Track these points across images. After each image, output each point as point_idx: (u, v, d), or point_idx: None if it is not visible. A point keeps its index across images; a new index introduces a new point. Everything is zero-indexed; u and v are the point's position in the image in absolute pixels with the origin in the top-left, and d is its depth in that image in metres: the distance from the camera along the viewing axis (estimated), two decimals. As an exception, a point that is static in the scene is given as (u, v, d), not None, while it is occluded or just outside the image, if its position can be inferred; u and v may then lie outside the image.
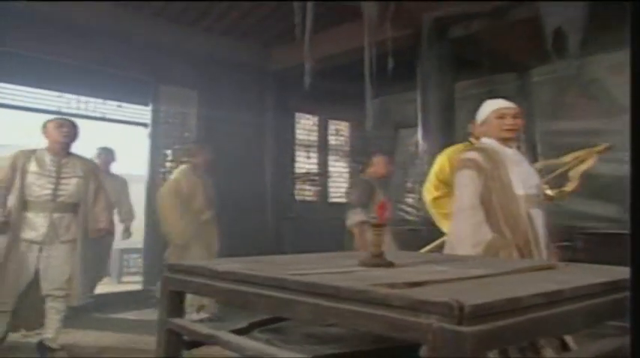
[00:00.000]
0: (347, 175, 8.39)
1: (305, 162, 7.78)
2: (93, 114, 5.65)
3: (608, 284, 1.32)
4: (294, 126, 7.59)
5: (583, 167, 3.60)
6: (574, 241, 6.14)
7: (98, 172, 3.85)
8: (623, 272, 1.45)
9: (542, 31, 4.65)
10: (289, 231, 6.98)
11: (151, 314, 4.70)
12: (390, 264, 1.73)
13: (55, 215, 3.36)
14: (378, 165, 4.92)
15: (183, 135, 6.04)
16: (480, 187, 2.47)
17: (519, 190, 2.46)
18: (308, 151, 7.82)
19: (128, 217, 5.45)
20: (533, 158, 7.07)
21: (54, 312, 3.39)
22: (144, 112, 5.94)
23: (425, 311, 0.97)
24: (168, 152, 5.96)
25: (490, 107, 2.68)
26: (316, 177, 7.90)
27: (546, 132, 7.01)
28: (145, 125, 5.95)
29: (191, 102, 6.09)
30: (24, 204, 3.31)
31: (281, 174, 7.14)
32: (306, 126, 7.82)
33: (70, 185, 3.44)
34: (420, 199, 7.90)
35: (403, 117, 8.05)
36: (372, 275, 1.49)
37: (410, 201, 7.99)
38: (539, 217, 2.51)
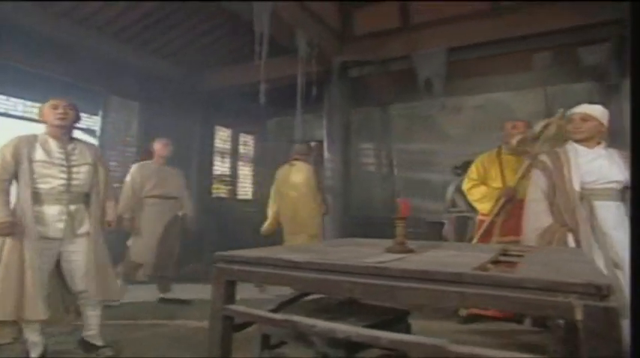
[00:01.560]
0: (251, 178, 8.11)
1: (220, 166, 7.35)
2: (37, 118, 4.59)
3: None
4: (214, 137, 7.15)
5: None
6: (420, 228, 6.64)
7: (103, 158, 2.76)
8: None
9: (416, 79, 4.94)
10: (208, 221, 6.53)
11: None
12: (411, 251, 1.65)
13: (72, 207, 2.41)
14: None
15: (126, 139, 5.29)
16: (544, 184, 2.38)
17: (577, 186, 2.30)
18: (223, 157, 7.40)
19: (188, 209, 4.20)
20: (390, 170, 7.57)
21: (90, 308, 2.47)
22: (87, 119, 5.04)
23: (563, 291, 0.92)
24: (113, 153, 5.21)
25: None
26: (228, 179, 7.50)
27: (400, 150, 7.49)
28: (86, 130, 5.05)
29: (133, 112, 5.38)
30: (35, 198, 2.32)
31: (202, 175, 6.68)
32: (222, 137, 7.41)
33: (82, 173, 2.47)
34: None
35: (294, 134, 8.03)
36: (426, 260, 1.39)
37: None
38: (602, 208, 2.26)
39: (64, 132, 2.49)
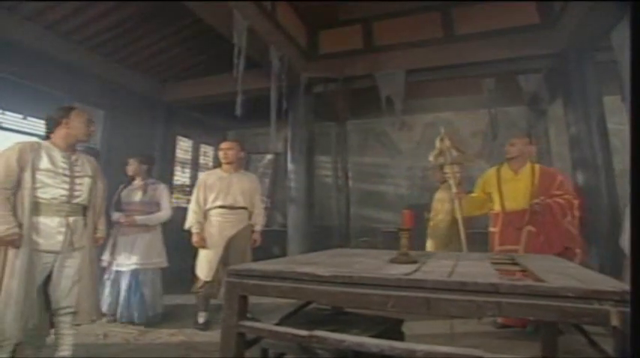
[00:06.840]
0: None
1: (181, 176, 7.00)
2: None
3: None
4: (175, 147, 6.80)
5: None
6: (376, 237, 6.74)
7: (101, 172, 2.50)
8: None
9: (379, 97, 5.04)
10: (168, 230, 6.19)
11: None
12: (414, 261, 1.64)
13: (71, 218, 2.21)
14: None
15: (89, 146, 4.84)
16: None
17: None
18: (183, 167, 7.06)
19: (259, 221, 3.61)
20: (345, 182, 7.63)
21: (68, 327, 2.23)
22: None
23: (599, 299, 0.95)
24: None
25: None
26: (189, 188, 7.16)
27: (355, 163, 7.60)
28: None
29: (98, 120, 4.93)
30: (36, 207, 2.10)
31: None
32: (183, 147, 7.07)
33: (84, 185, 2.29)
34: (267, 207, 7.89)
35: (253, 146, 7.93)
36: (443, 271, 1.38)
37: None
38: None
39: (72, 144, 2.30)
